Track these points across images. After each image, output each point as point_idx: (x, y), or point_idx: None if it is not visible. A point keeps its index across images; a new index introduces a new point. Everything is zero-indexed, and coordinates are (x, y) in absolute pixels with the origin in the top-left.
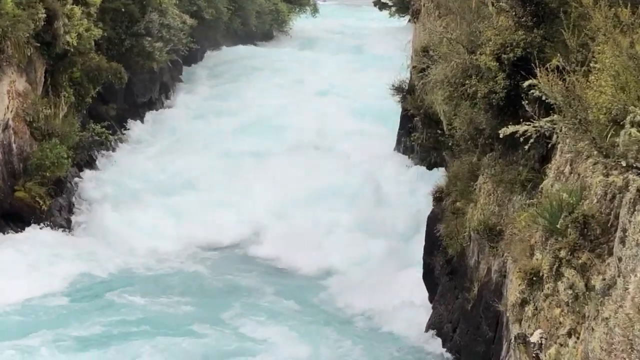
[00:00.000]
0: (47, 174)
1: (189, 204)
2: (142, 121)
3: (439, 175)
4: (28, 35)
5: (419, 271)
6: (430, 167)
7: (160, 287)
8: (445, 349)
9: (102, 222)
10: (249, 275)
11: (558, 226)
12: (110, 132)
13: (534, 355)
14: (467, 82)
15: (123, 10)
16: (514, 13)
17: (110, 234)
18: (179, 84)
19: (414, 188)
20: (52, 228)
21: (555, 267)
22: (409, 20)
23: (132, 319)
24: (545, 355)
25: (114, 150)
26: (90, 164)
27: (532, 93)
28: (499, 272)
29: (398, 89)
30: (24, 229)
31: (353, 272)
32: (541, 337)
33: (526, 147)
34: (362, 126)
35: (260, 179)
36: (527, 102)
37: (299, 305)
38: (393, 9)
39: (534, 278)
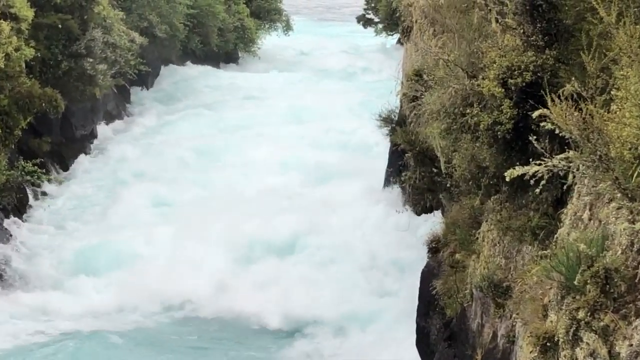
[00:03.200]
0: None
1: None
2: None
3: (433, 222)
4: None
5: (410, 337)
6: (420, 213)
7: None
8: None
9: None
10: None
11: (576, 282)
12: (44, 171)
13: None
14: (467, 111)
15: (60, 26)
16: (522, 31)
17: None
18: (128, 110)
19: (403, 237)
20: None
21: (572, 330)
22: (398, 40)
23: None
24: None
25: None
26: (19, 209)
27: (544, 126)
28: (507, 337)
29: (386, 120)
30: None
31: (324, 338)
32: None
33: (537, 189)
34: (341, 161)
35: (215, 233)
36: (535, 137)
37: None
38: (380, 26)
39: (548, 344)
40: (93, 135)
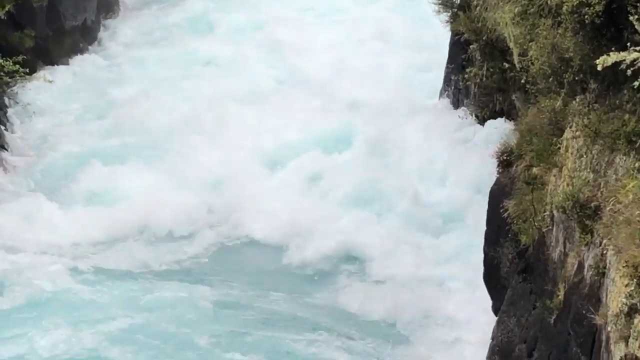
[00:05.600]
0: None
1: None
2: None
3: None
4: None
5: (475, 268)
6: (487, 118)
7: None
8: None
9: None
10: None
11: None
12: (27, 70)
13: None
14: None
15: None
16: None
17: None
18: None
19: (468, 150)
20: None
21: None
22: None
23: None
24: None
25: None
26: None
27: None
28: (596, 269)
29: (445, 4)
30: None
31: (372, 266)
32: None
33: (635, 83)
34: (388, 61)
35: (247, 130)
36: (637, 17)
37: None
38: None
39: None
40: (86, 27)
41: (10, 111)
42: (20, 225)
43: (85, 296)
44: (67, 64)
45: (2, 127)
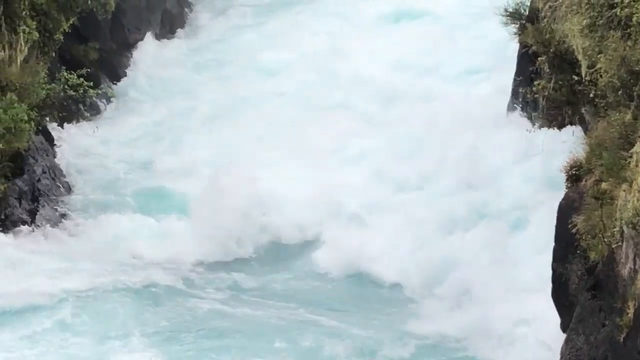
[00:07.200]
0: (0, 145)
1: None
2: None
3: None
4: None
5: (541, 286)
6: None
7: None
8: None
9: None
10: None
11: None
12: (92, 83)
13: None
14: (616, 1)
15: None
16: None
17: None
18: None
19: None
20: (7, 225)
21: None
22: None
23: None
24: None
25: (97, 112)
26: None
27: None
28: None
29: (514, 15)
30: None
31: (434, 280)
32: None
33: None
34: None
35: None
36: None
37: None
38: None
39: None
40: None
41: None
42: None
43: None
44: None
45: None
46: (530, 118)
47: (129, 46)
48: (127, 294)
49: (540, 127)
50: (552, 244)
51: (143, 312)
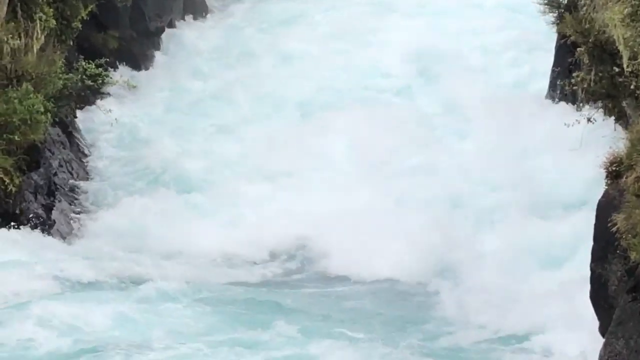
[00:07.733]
0: (16, 137)
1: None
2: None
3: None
4: None
5: (580, 286)
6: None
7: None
8: None
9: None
10: None
11: None
12: (110, 73)
13: None
14: None
15: None
16: None
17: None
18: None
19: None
20: (23, 222)
21: None
22: None
23: None
24: None
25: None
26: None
27: None
28: None
29: (552, 4)
30: None
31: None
32: None
33: None
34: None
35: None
36: None
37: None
38: None
39: None
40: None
41: None
42: None
43: None
44: (148, 68)
45: None
46: (575, 108)
47: (149, 34)
48: None
49: (579, 120)
50: (591, 243)
51: None
